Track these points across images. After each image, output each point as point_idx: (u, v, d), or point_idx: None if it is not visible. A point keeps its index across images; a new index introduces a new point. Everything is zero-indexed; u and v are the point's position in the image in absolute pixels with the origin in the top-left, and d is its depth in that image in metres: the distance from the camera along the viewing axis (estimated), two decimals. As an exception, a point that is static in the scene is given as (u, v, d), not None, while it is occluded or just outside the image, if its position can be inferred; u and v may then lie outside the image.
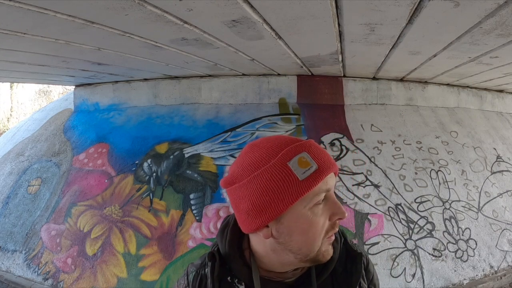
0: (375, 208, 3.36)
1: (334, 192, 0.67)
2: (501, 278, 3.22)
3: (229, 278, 0.70)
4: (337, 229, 0.68)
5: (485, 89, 4.88)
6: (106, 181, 3.76)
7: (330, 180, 0.65)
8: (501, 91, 5.07)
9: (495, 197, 3.83)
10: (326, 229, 0.65)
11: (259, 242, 0.69)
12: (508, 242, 3.51)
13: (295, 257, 0.66)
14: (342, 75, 4.00)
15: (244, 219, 0.66)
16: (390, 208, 3.37)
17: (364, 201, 3.38)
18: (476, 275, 3.18)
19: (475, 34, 2.12)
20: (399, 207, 3.40)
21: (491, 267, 3.28)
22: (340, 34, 2.28)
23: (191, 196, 3.46)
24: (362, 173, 3.56)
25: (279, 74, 4.07)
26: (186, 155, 3.74)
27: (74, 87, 4.98)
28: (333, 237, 0.68)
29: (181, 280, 0.77)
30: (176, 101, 4.35)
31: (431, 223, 3.36)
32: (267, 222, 0.63)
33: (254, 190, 0.63)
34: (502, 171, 4.14)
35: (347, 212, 3.28)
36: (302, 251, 0.65)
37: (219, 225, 3.38)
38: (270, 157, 0.64)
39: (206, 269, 0.71)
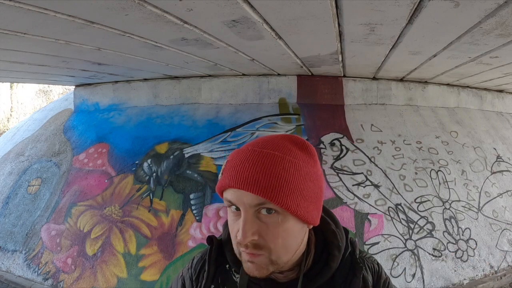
0: (375, 208, 3.36)
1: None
2: (501, 278, 3.22)
3: (227, 266, 0.70)
4: (243, 249, 0.62)
5: (485, 89, 4.88)
6: (106, 181, 3.76)
7: (233, 195, 0.61)
8: (501, 91, 5.07)
9: (495, 197, 3.83)
10: (236, 240, 0.63)
11: None
12: (508, 242, 3.51)
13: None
14: (342, 75, 4.00)
15: None
16: (390, 208, 3.37)
17: (364, 201, 3.38)
18: (476, 275, 3.18)
19: (475, 34, 2.12)
20: (399, 207, 3.40)
21: (491, 267, 3.28)
22: (340, 34, 2.28)
23: (191, 196, 3.46)
24: (362, 173, 3.56)
25: (279, 74, 4.07)
26: (186, 155, 3.74)
27: (74, 87, 4.98)
28: (246, 256, 0.62)
29: (188, 264, 0.79)
30: (176, 101, 4.34)
31: (431, 223, 3.36)
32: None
33: None
34: (502, 171, 4.14)
35: (348, 212, 3.28)
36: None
37: (219, 225, 3.35)
38: None
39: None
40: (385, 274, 0.77)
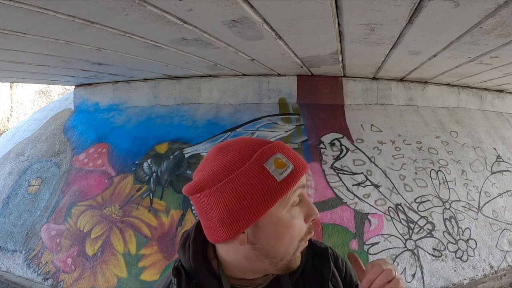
0: (375, 208, 3.36)
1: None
2: (501, 278, 3.22)
3: None
4: (313, 233, 0.66)
5: (485, 89, 4.88)
6: (106, 181, 3.76)
7: (304, 179, 0.65)
8: (501, 91, 5.07)
9: (495, 197, 3.83)
10: (304, 233, 0.64)
11: (229, 251, 0.65)
12: (508, 242, 3.51)
13: (270, 262, 0.64)
14: (342, 75, 4.00)
15: (216, 227, 0.61)
16: (390, 208, 3.37)
17: (364, 201, 3.38)
18: (476, 275, 3.18)
19: (475, 34, 2.12)
20: (399, 207, 3.41)
21: (491, 267, 3.28)
22: (340, 34, 2.28)
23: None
24: (362, 173, 3.56)
25: (279, 74, 4.07)
26: (186, 155, 3.74)
27: (74, 87, 4.98)
28: (307, 243, 0.67)
29: None
30: (176, 101, 4.35)
31: (431, 223, 3.36)
32: (245, 228, 0.60)
33: (229, 195, 0.59)
34: (502, 171, 4.14)
35: (348, 212, 3.28)
36: (278, 255, 0.63)
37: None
38: (244, 159, 0.61)
39: (172, 287, 0.67)
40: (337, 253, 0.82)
